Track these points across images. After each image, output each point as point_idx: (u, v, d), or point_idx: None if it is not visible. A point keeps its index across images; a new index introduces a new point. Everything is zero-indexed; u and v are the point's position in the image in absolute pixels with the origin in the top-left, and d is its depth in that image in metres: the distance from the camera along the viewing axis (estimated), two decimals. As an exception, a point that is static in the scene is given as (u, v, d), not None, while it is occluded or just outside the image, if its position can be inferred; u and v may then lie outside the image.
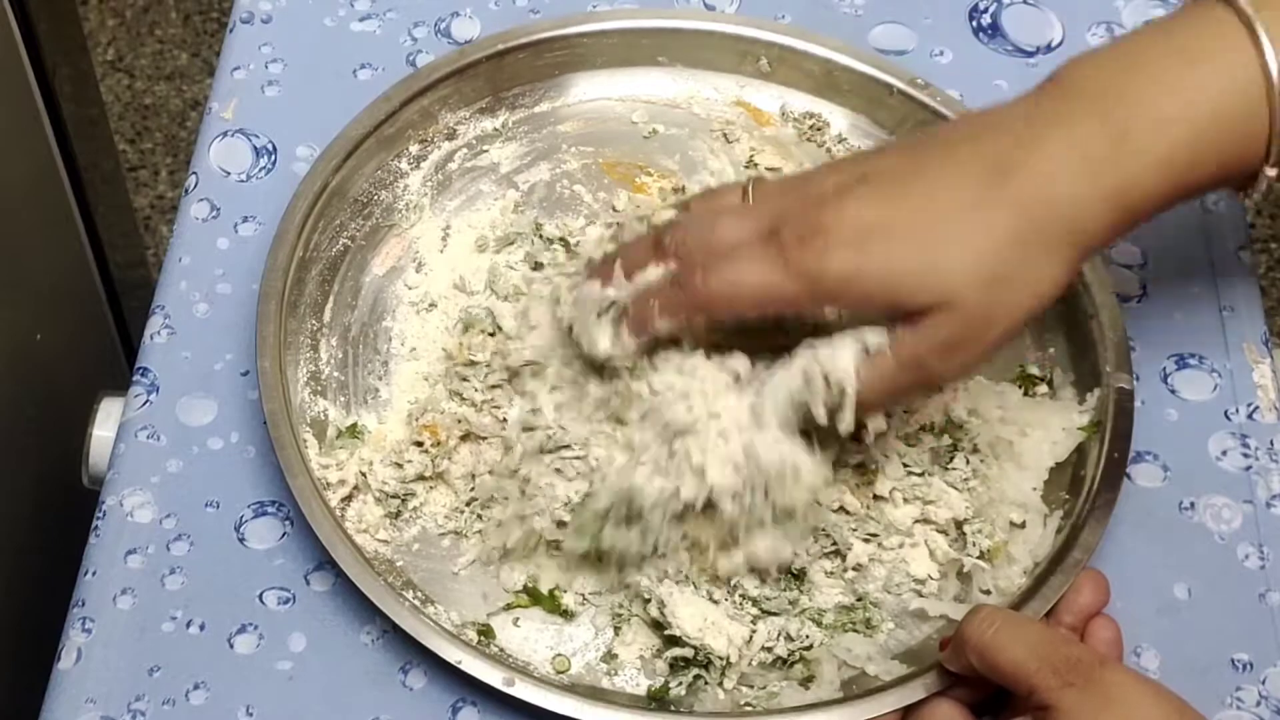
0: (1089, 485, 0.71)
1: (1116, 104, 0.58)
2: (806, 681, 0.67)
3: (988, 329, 0.59)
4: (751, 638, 0.68)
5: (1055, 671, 0.60)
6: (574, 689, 0.66)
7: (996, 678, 0.62)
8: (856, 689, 0.67)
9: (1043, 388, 0.76)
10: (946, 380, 0.63)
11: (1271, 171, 0.60)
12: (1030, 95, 0.61)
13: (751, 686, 0.67)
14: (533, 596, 0.69)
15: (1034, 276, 0.59)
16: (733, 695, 0.67)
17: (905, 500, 0.71)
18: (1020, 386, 0.76)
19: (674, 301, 0.62)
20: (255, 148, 0.83)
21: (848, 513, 0.71)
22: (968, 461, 0.72)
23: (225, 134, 0.83)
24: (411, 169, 0.81)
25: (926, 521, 0.71)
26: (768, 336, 0.65)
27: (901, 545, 0.71)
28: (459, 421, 0.72)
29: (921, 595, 0.70)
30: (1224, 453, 0.75)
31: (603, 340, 0.65)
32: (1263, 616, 0.71)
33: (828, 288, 0.59)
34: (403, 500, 0.71)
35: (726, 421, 0.63)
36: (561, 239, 0.78)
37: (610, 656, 0.68)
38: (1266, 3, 0.59)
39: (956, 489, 0.71)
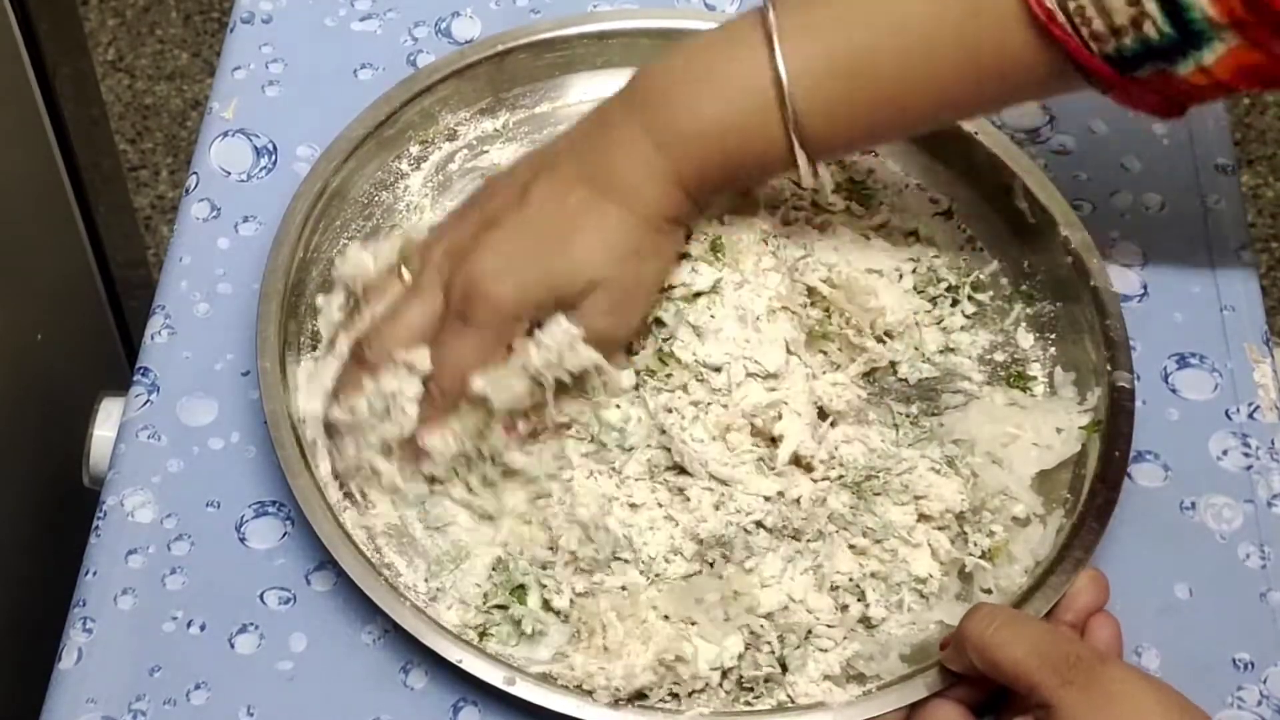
0: (1090, 484, 0.71)
1: (655, 110, 0.70)
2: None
3: (635, 290, 0.71)
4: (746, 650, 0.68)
5: (1055, 669, 0.60)
6: (574, 689, 0.66)
7: (997, 675, 0.62)
8: (857, 688, 0.67)
9: (1040, 387, 0.76)
10: (624, 334, 0.72)
11: (802, 163, 0.69)
12: (610, 102, 0.72)
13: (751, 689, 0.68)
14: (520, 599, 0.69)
15: (654, 248, 0.71)
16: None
17: (902, 502, 0.71)
18: (1014, 387, 0.76)
19: (431, 415, 0.70)
20: (256, 148, 0.83)
21: (855, 551, 0.71)
22: (953, 463, 0.72)
23: (226, 134, 0.83)
24: (412, 169, 0.81)
25: (925, 518, 0.71)
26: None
27: (902, 545, 0.71)
28: None
29: (922, 595, 0.70)
30: (1225, 452, 0.75)
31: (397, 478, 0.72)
32: (1263, 616, 0.71)
33: (509, 312, 0.69)
34: None
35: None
36: None
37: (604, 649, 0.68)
38: (791, 11, 0.68)
39: (940, 473, 0.71)
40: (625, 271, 0.70)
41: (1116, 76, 0.65)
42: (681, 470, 0.70)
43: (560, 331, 0.69)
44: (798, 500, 0.69)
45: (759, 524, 0.69)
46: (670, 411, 0.70)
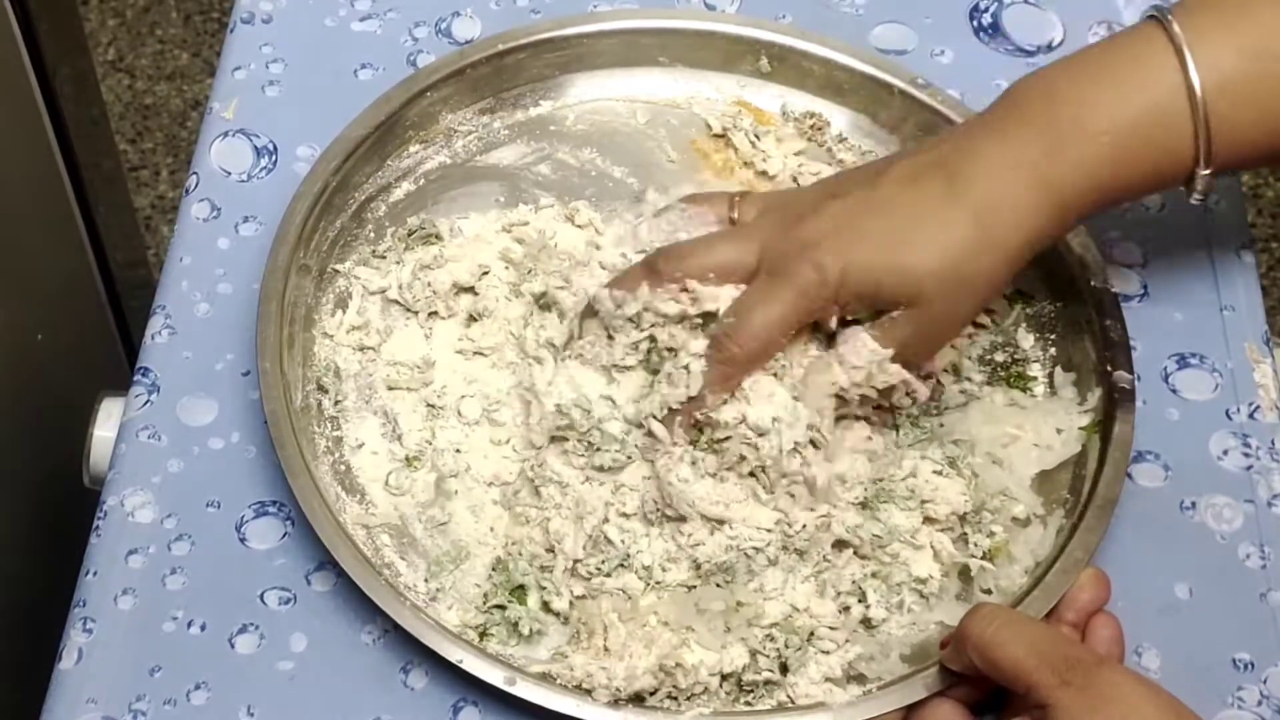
0: (1090, 484, 0.71)
1: (1047, 117, 0.66)
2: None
3: (949, 325, 0.68)
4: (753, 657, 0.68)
5: (1054, 670, 0.60)
6: (574, 689, 0.66)
7: (996, 675, 0.62)
8: (857, 689, 0.67)
9: (1040, 387, 0.76)
10: (917, 364, 0.69)
11: (1205, 171, 0.66)
12: (984, 111, 0.69)
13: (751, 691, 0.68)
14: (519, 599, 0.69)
15: (986, 275, 0.66)
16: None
17: (908, 507, 0.71)
18: (1014, 387, 0.76)
19: (723, 375, 0.67)
20: (256, 148, 0.83)
21: (858, 555, 0.71)
22: (954, 464, 0.72)
23: (226, 134, 0.83)
24: (412, 169, 0.81)
25: (930, 521, 0.71)
26: None
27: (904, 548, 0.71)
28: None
29: (923, 595, 0.70)
30: (1225, 452, 0.75)
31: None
32: (1264, 616, 0.71)
33: (831, 286, 0.65)
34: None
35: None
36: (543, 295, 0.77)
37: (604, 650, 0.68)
38: (1196, 26, 0.65)
39: (943, 475, 0.71)
40: (950, 298, 0.66)
41: None
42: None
43: (867, 352, 0.67)
44: (803, 526, 0.69)
45: (759, 550, 0.69)
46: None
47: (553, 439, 0.71)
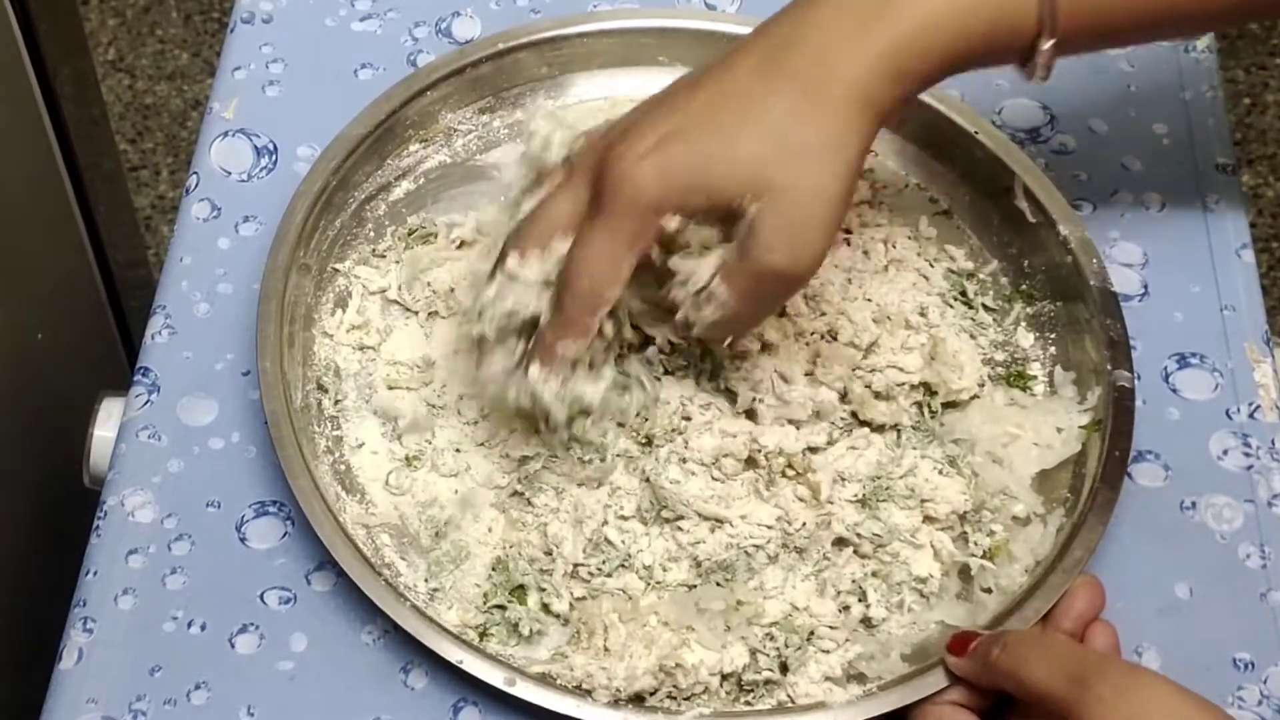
0: (1090, 484, 0.71)
1: None
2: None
3: (816, 206, 0.60)
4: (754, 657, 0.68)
5: (1081, 682, 0.59)
6: (574, 689, 0.66)
7: (1027, 697, 0.62)
8: (857, 688, 0.67)
9: (1040, 387, 0.76)
10: (802, 271, 0.62)
11: (1046, 44, 0.61)
12: None
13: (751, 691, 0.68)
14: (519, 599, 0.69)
15: (825, 140, 0.59)
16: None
17: (908, 506, 0.71)
18: (1014, 387, 0.76)
19: (563, 322, 0.64)
20: (256, 148, 0.83)
21: (858, 554, 0.71)
22: (954, 463, 0.72)
23: (226, 134, 0.83)
24: (412, 168, 0.81)
25: (931, 520, 0.71)
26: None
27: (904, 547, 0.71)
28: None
29: (923, 595, 0.70)
30: (1225, 452, 0.75)
31: (522, 396, 0.68)
32: (1264, 616, 0.71)
33: (649, 202, 0.60)
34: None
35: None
36: None
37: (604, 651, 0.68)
38: None
39: (943, 474, 0.71)
40: (796, 172, 0.59)
41: None
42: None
43: (708, 265, 0.62)
44: (803, 524, 0.69)
45: (759, 547, 0.69)
46: (646, 445, 0.70)
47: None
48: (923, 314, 0.75)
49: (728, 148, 0.59)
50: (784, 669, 0.67)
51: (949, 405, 0.74)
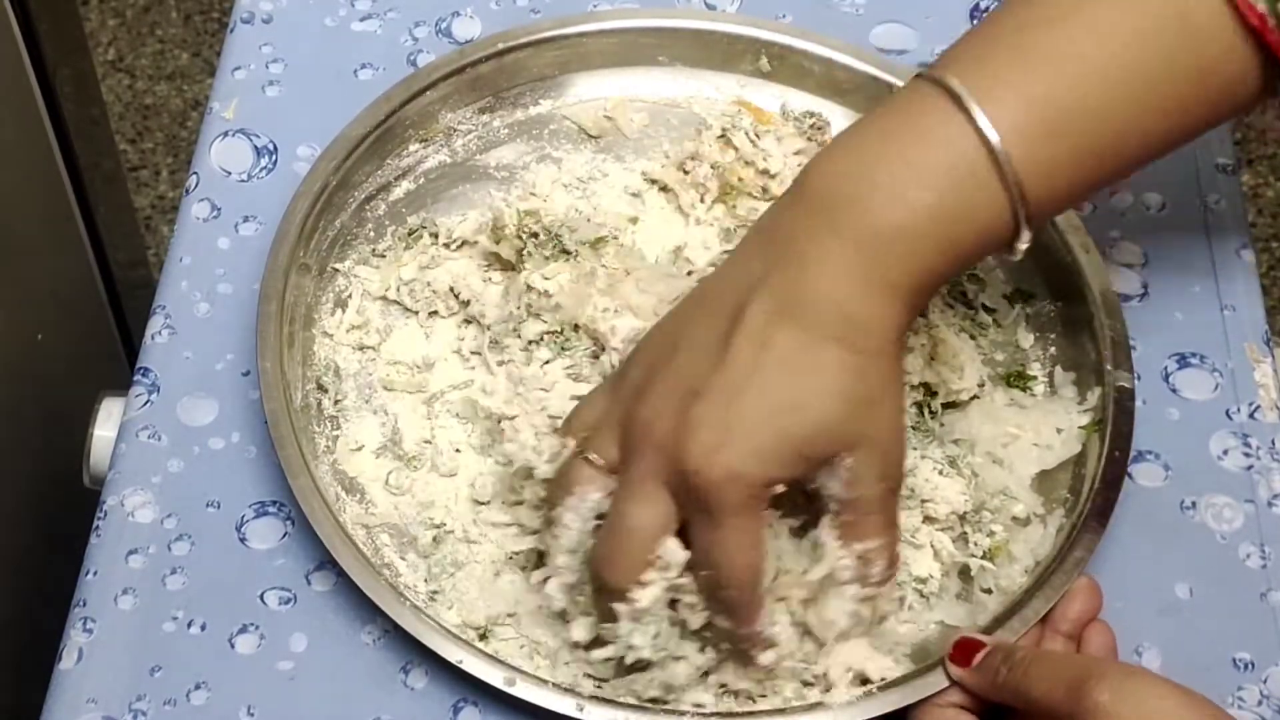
0: (1090, 484, 0.71)
1: (859, 225, 0.61)
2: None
3: (896, 440, 0.63)
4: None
5: (1081, 691, 0.59)
6: (574, 689, 0.66)
7: (1032, 709, 0.62)
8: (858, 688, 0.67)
9: (1040, 387, 0.76)
10: (888, 508, 0.64)
11: (1025, 228, 0.62)
12: (782, 212, 0.63)
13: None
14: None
15: (883, 381, 0.62)
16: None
17: (909, 506, 0.71)
18: (1014, 387, 0.76)
19: (742, 616, 0.63)
20: (256, 148, 0.83)
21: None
22: (955, 463, 0.72)
23: (226, 134, 0.83)
24: (412, 168, 0.81)
25: (930, 520, 0.71)
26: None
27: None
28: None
29: (923, 595, 0.70)
30: (1225, 452, 0.75)
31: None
32: (1264, 616, 0.71)
33: (759, 487, 0.60)
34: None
35: None
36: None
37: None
38: (976, 84, 0.61)
39: (943, 474, 0.71)
40: (875, 421, 0.61)
41: None
42: None
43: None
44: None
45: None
46: None
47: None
48: (922, 315, 0.75)
49: (803, 419, 0.60)
50: None
51: (949, 405, 0.74)
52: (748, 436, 0.60)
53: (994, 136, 0.60)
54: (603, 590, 0.63)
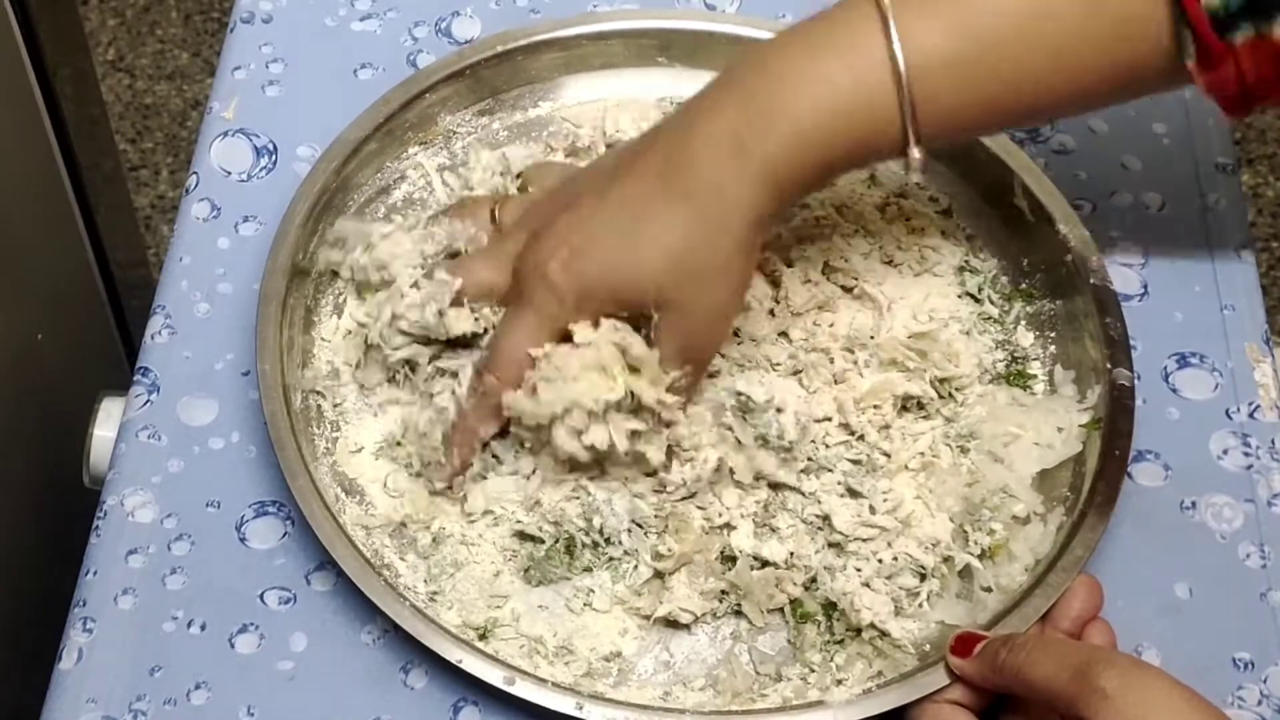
0: (1090, 483, 0.71)
1: (755, 94, 0.65)
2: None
3: (709, 322, 0.68)
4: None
5: (1086, 678, 0.59)
6: (574, 688, 0.66)
7: (1033, 696, 0.62)
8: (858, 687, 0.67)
9: (1040, 386, 0.76)
10: (699, 364, 0.69)
11: (916, 153, 0.65)
12: (707, 89, 0.68)
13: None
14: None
15: (721, 263, 0.66)
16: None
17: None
18: (1014, 385, 0.76)
19: (486, 406, 0.69)
20: (256, 147, 0.83)
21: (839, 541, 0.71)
22: (961, 457, 0.73)
23: (226, 134, 0.83)
24: (412, 169, 0.81)
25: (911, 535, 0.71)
26: None
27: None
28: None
29: (917, 595, 0.70)
30: (1225, 452, 0.75)
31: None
32: (1264, 616, 0.71)
33: (569, 304, 0.67)
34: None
35: None
36: None
37: (615, 655, 0.68)
38: (905, 3, 0.65)
39: (930, 511, 0.72)
40: (693, 294, 0.66)
41: (1214, 39, 0.64)
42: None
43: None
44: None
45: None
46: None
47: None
48: (930, 317, 0.76)
49: (634, 264, 0.66)
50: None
51: (948, 396, 0.74)
52: (582, 264, 0.66)
53: (901, 56, 0.64)
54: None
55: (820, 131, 0.64)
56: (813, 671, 0.68)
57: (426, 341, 0.72)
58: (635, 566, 0.70)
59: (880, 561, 0.70)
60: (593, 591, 0.69)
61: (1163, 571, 0.72)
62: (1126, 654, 0.65)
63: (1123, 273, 0.80)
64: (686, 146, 0.66)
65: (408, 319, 0.71)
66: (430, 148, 0.82)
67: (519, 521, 0.70)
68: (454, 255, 0.74)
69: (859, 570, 0.70)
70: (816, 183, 0.68)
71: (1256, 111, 0.68)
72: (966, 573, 0.70)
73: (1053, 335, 0.77)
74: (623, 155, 0.69)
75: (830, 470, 0.71)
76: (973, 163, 0.80)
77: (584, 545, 0.70)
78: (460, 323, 0.71)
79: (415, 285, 0.72)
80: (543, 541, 0.70)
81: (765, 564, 0.69)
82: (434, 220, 0.75)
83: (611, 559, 0.70)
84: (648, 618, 0.69)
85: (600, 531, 0.70)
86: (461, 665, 0.65)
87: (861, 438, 0.72)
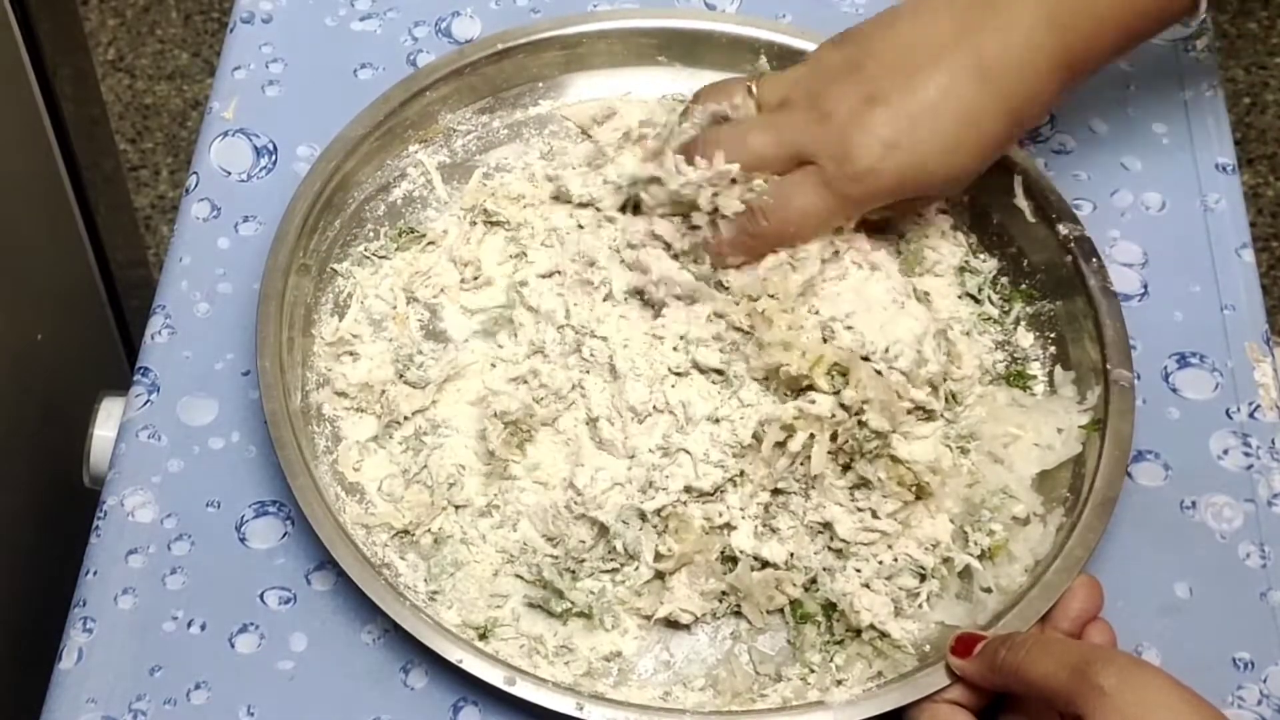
0: (1090, 484, 0.71)
1: None
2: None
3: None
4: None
5: (1084, 676, 0.59)
6: (574, 688, 0.66)
7: (1032, 693, 0.62)
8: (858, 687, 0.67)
9: (1040, 386, 0.76)
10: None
11: (1203, 5, 0.71)
12: None
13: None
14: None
15: (1008, 145, 0.72)
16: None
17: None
18: (1014, 386, 0.76)
19: (742, 243, 0.72)
20: (256, 147, 0.83)
21: (840, 544, 0.71)
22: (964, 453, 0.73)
23: (226, 134, 0.83)
24: (412, 167, 0.81)
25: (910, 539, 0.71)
26: None
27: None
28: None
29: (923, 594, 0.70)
30: (1225, 451, 0.75)
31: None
32: (1264, 615, 0.71)
33: (882, 194, 0.71)
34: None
35: None
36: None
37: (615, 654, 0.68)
38: None
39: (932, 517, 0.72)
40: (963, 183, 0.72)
41: None
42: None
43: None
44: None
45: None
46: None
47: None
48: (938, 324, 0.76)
49: (950, 165, 0.70)
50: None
51: (952, 397, 0.74)
52: (908, 152, 0.69)
53: None
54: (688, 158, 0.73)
55: (1113, 21, 0.70)
56: (813, 672, 0.68)
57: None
58: (636, 567, 0.70)
59: (880, 562, 0.70)
60: (593, 592, 0.69)
61: (1163, 571, 0.72)
62: (1125, 652, 0.65)
63: (1123, 273, 0.80)
64: (1002, 54, 0.69)
65: (679, 192, 0.72)
66: (430, 146, 0.82)
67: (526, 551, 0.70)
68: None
69: (859, 571, 0.70)
70: (1104, 64, 0.72)
71: None
72: (966, 573, 0.70)
73: (1053, 336, 0.77)
74: (916, 52, 0.70)
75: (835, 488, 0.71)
76: (973, 163, 0.80)
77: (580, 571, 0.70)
78: (731, 202, 0.71)
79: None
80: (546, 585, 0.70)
81: (765, 565, 0.69)
82: (685, 115, 0.76)
83: (615, 568, 0.70)
84: (648, 618, 0.69)
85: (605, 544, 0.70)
86: (461, 665, 0.65)
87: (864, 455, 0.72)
